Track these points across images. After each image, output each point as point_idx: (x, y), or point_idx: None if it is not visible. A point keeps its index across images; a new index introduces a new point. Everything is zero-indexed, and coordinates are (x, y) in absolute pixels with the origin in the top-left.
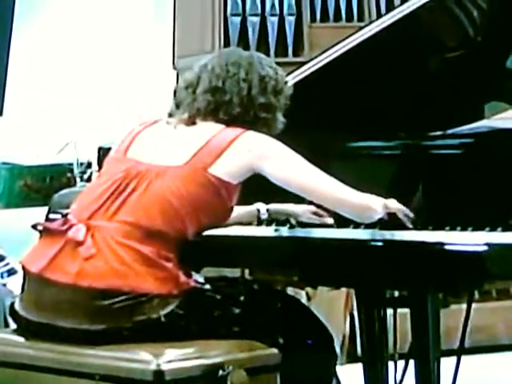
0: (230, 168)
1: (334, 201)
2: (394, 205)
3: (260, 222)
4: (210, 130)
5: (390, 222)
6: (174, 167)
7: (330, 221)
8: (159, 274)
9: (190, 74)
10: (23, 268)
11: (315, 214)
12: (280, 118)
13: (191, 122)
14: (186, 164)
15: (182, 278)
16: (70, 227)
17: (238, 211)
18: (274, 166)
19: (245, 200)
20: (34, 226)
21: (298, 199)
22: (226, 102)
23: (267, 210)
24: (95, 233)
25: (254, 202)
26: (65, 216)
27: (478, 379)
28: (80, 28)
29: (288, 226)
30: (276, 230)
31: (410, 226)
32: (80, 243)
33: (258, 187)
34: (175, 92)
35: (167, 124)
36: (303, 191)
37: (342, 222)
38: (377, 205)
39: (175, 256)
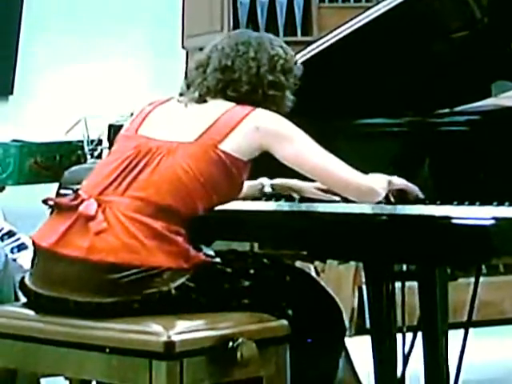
0: (239, 145)
1: (340, 183)
2: (399, 181)
3: (266, 197)
4: (220, 108)
5: (399, 199)
6: (185, 144)
7: (336, 197)
8: (169, 248)
9: (201, 55)
10: (34, 243)
11: (321, 190)
12: (289, 96)
13: (202, 100)
14: (196, 140)
15: (192, 251)
16: (81, 202)
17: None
18: (282, 146)
19: (252, 175)
20: (45, 201)
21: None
22: (234, 80)
23: (271, 185)
24: (106, 208)
25: (259, 176)
26: (76, 192)
27: (485, 352)
28: (91, 7)
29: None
30: (278, 205)
31: (422, 196)
32: (91, 218)
33: (264, 163)
34: (186, 74)
35: (178, 102)
36: (310, 172)
37: None
38: (382, 188)
39: (186, 231)
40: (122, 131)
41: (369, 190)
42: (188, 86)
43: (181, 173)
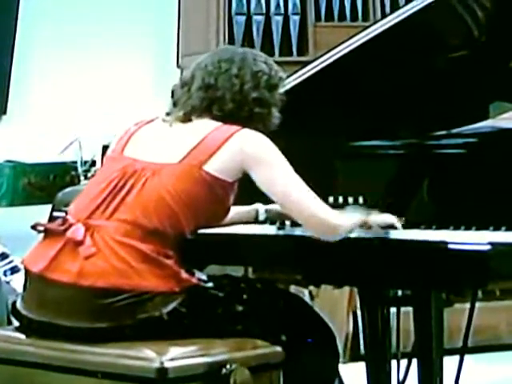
0: (224, 166)
1: (304, 215)
2: (377, 219)
3: (258, 223)
4: (205, 127)
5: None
6: (170, 165)
7: None
8: (160, 272)
9: (186, 73)
10: (25, 268)
11: None
12: (275, 113)
13: (187, 119)
14: (180, 162)
15: (184, 275)
16: (69, 227)
17: (237, 211)
18: (258, 170)
19: (244, 200)
20: (34, 227)
21: None
22: (218, 98)
23: (266, 211)
24: (94, 232)
25: (253, 201)
26: (64, 216)
27: (480, 378)
28: (84, 27)
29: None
30: (279, 229)
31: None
32: (79, 243)
33: (257, 188)
34: (173, 91)
35: (163, 122)
36: (278, 200)
37: None
38: (347, 228)
39: (175, 253)
40: (109, 152)
41: (333, 227)
42: (174, 104)
43: (165, 194)
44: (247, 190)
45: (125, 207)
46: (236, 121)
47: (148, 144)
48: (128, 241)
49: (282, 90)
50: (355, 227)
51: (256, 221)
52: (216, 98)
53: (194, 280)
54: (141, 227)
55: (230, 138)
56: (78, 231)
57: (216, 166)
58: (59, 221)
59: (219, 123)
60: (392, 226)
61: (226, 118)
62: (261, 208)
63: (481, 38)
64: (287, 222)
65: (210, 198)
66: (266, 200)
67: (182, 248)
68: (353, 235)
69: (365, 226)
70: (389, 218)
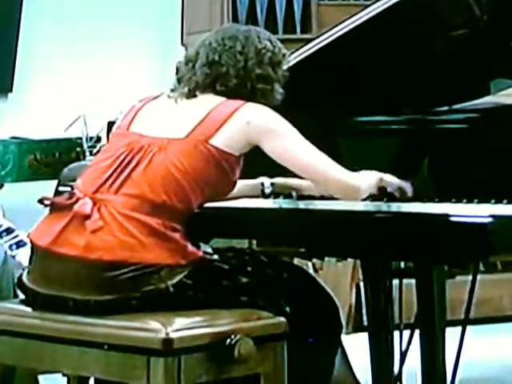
0: (230, 140)
1: (323, 179)
2: (391, 179)
3: (264, 196)
4: (210, 103)
5: (390, 197)
6: (176, 140)
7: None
8: (166, 245)
9: (190, 51)
10: (31, 242)
11: None
12: (278, 89)
13: (191, 95)
14: (186, 137)
15: (190, 248)
16: (76, 201)
17: (243, 185)
18: (270, 141)
19: (250, 174)
20: (41, 201)
21: None
22: (222, 75)
23: (271, 184)
24: (101, 206)
25: (258, 175)
26: (71, 190)
27: (482, 349)
28: (91, 4)
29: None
30: (275, 202)
31: (411, 195)
32: (87, 216)
33: (263, 161)
34: (177, 68)
35: (168, 98)
36: (294, 167)
37: None
38: (368, 186)
39: (182, 227)
40: (114, 129)
41: (352, 187)
42: (179, 81)
43: (173, 169)
44: (251, 164)
45: (132, 182)
46: (239, 97)
47: (154, 120)
48: (135, 215)
49: (285, 66)
50: (373, 186)
51: (262, 194)
52: (220, 74)
53: (200, 253)
54: (148, 201)
55: (236, 111)
56: (85, 205)
57: (222, 140)
58: (66, 195)
59: (223, 98)
60: (404, 192)
61: (229, 93)
62: (266, 181)
63: (482, 17)
64: (293, 194)
65: (216, 171)
66: (272, 174)
67: (188, 221)
68: (356, 208)
69: (382, 183)
70: (403, 183)
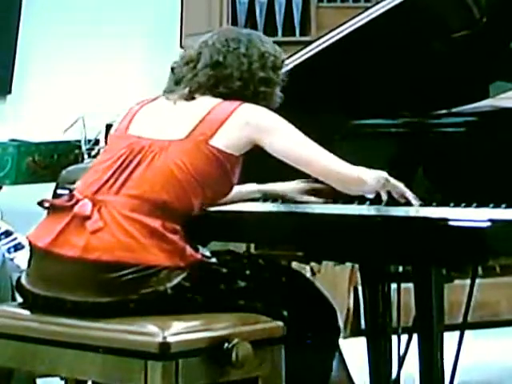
0: (230, 140)
1: (325, 171)
2: (398, 183)
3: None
4: (208, 104)
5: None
6: (176, 141)
7: (318, 199)
8: (166, 247)
9: (190, 51)
10: (30, 243)
11: (305, 192)
12: (278, 92)
13: (191, 97)
14: (187, 137)
15: (189, 250)
16: (76, 202)
17: (237, 190)
18: (271, 139)
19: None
20: (40, 204)
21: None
22: (226, 77)
23: (259, 191)
24: (101, 207)
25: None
26: (70, 192)
27: (480, 353)
28: (89, 7)
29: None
30: (275, 205)
31: (416, 204)
32: (87, 217)
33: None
34: (173, 69)
35: (167, 100)
36: (296, 162)
37: (347, 199)
38: (372, 178)
39: (181, 229)
40: (112, 132)
41: (356, 179)
42: (176, 83)
43: (174, 168)
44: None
45: (132, 182)
46: (241, 99)
47: (153, 122)
48: (135, 216)
49: (283, 69)
50: (379, 182)
51: (257, 199)
52: (223, 75)
53: (199, 256)
54: (148, 202)
55: (234, 112)
56: (85, 206)
57: (222, 141)
58: (66, 197)
59: (220, 100)
60: (407, 199)
61: (231, 95)
62: (254, 188)
63: (482, 19)
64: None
65: (217, 172)
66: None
67: (188, 224)
68: (353, 211)
69: (387, 184)
70: (410, 194)
